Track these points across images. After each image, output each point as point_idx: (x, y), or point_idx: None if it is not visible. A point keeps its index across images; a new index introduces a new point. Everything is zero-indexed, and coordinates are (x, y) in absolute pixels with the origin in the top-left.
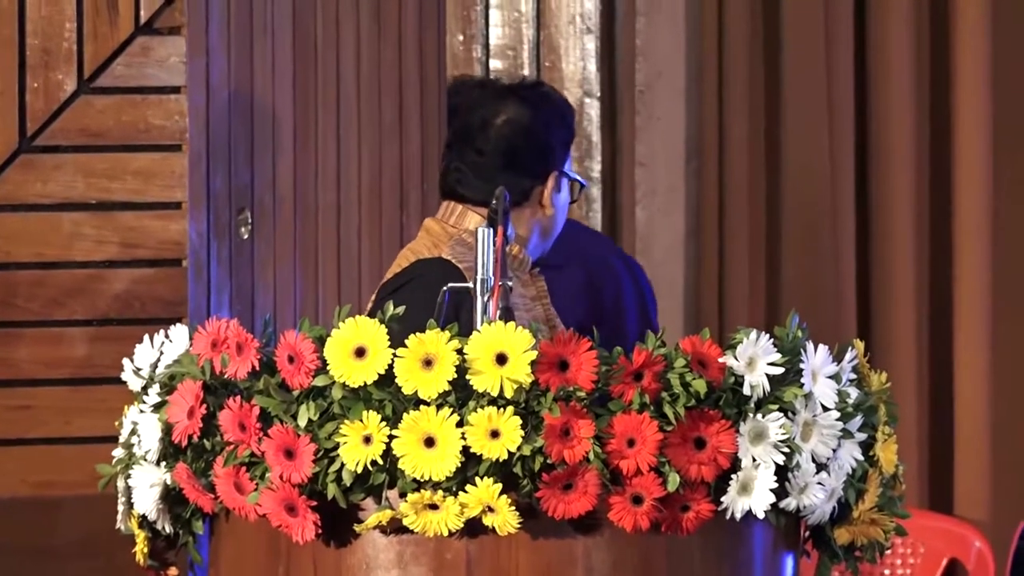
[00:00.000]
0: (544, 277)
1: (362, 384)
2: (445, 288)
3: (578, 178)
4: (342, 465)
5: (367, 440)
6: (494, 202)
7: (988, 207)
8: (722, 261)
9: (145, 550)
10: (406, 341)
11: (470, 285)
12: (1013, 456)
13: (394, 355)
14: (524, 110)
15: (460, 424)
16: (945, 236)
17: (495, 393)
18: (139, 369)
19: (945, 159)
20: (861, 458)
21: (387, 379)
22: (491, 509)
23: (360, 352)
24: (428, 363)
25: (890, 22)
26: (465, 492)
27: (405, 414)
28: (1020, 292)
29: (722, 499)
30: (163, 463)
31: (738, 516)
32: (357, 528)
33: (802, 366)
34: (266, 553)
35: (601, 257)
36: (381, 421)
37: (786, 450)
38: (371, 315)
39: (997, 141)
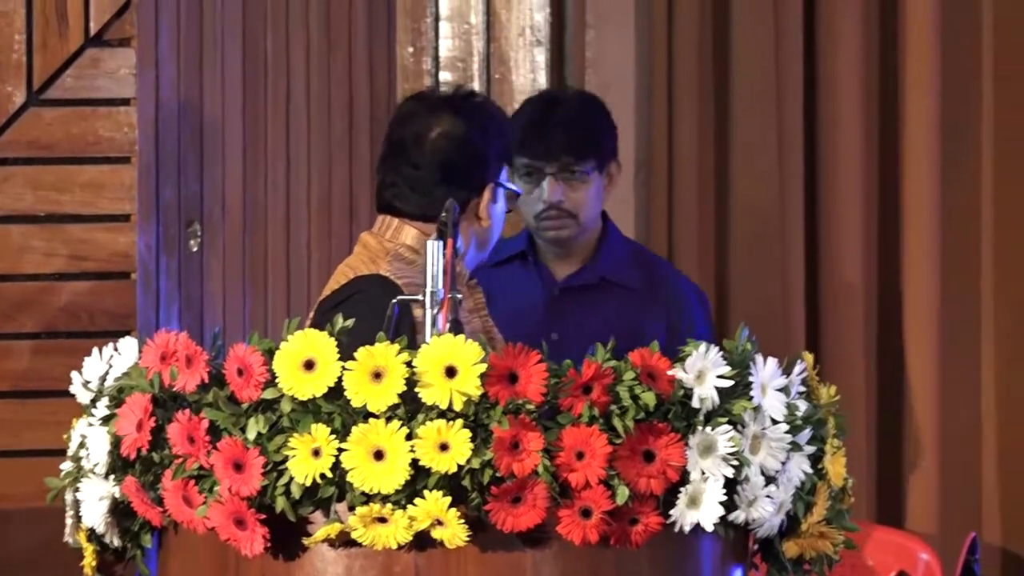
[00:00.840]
0: (613, 296)
1: (311, 397)
2: (394, 301)
3: (514, 188)
4: (291, 478)
5: (316, 453)
6: (443, 214)
7: (937, 219)
8: None
9: (94, 563)
10: (355, 354)
11: (420, 298)
12: (962, 470)
13: (343, 368)
14: (459, 123)
15: (409, 437)
16: (894, 248)
17: (444, 406)
18: (88, 382)
19: (894, 169)
20: (810, 471)
21: (336, 392)
22: (440, 522)
23: (309, 365)
24: (377, 376)
25: (839, 34)
26: (414, 505)
27: (354, 427)
28: (970, 304)
29: (671, 512)
30: (112, 476)
31: (687, 529)
32: (306, 541)
33: (751, 379)
34: (214, 567)
35: (676, 289)
36: (330, 434)
37: (735, 463)
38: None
39: (945, 150)
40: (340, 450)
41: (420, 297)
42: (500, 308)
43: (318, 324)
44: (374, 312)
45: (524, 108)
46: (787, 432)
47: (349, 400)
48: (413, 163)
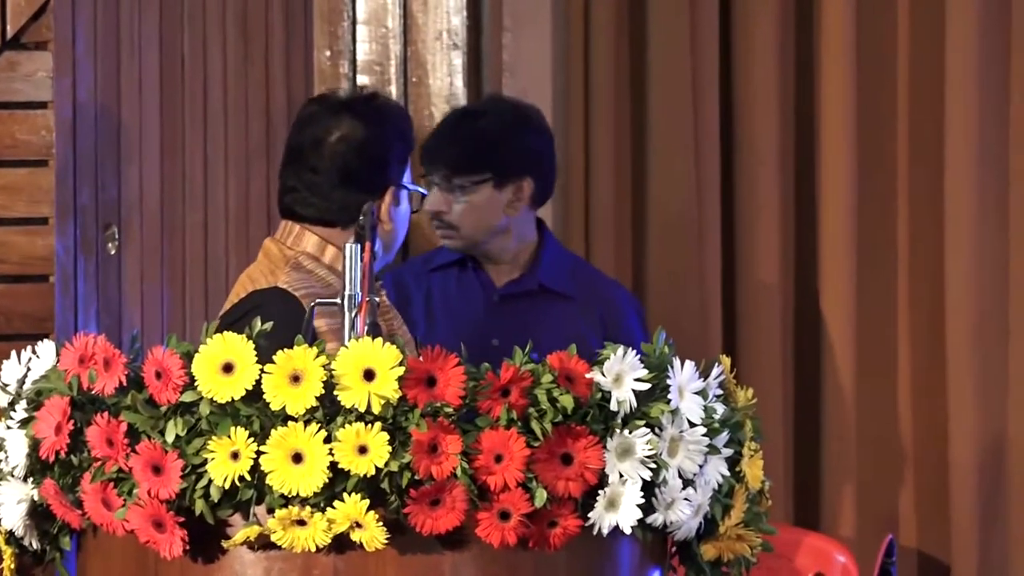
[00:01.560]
0: (549, 304)
1: (230, 400)
2: (312, 304)
3: (418, 189)
4: (210, 481)
5: (235, 456)
6: (361, 218)
7: (853, 222)
8: None
9: (12, 566)
10: (274, 357)
11: (338, 301)
12: (878, 473)
13: (262, 371)
14: (359, 126)
15: (328, 440)
16: (811, 251)
17: (363, 409)
18: (6, 385)
19: (810, 171)
20: (727, 474)
21: (255, 395)
22: (359, 525)
23: (228, 368)
24: (296, 379)
25: (756, 37)
26: (333, 508)
27: (273, 430)
28: (886, 308)
29: (589, 515)
30: (30, 479)
31: (605, 532)
32: (225, 544)
33: (669, 382)
34: (134, 569)
35: (613, 300)
36: (249, 437)
37: (653, 466)
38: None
39: (860, 153)
40: (259, 453)
41: (338, 301)
42: (440, 313)
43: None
44: (275, 324)
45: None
46: (704, 435)
47: (268, 403)
48: (312, 167)
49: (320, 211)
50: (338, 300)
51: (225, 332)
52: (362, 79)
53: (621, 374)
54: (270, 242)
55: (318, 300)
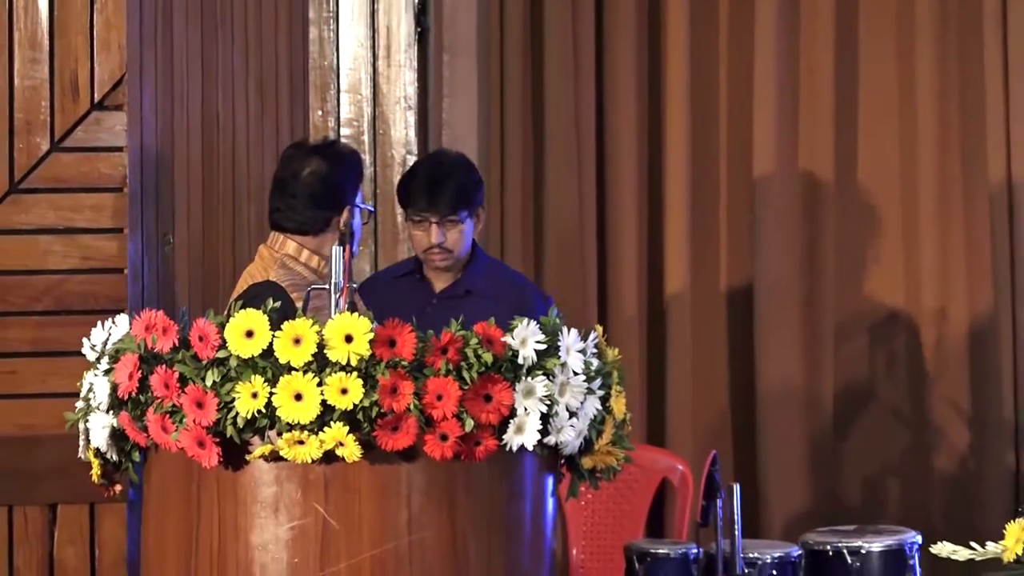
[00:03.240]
0: (473, 301)
1: (251, 356)
2: (310, 288)
3: (367, 207)
4: (237, 413)
5: (254, 396)
6: (341, 228)
7: (689, 225)
8: None
9: (99, 472)
10: (281, 326)
11: (326, 286)
12: (707, 408)
13: (273, 336)
14: (322, 163)
15: (320, 384)
16: (659, 250)
17: (344, 362)
18: (94, 346)
19: (659, 189)
20: (600, 408)
21: (268, 353)
22: (342, 444)
23: (249, 334)
24: (297, 341)
25: (621, 104)
26: (323, 432)
27: (281, 377)
28: (711, 284)
29: (503, 437)
30: (111, 412)
31: (515, 449)
32: (248, 457)
33: (559, 344)
34: (184, 475)
35: (525, 292)
36: (264, 382)
37: (548, 403)
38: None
39: (693, 177)
40: (271, 394)
41: (326, 286)
42: (395, 312)
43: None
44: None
45: (416, 169)
46: (584, 381)
47: (277, 358)
48: (291, 193)
49: (297, 224)
50: (326, 286)
51: (247, 308)
52: (344, 131)
53: (526, 338)
54: (263, 247)
55: (313, 286)
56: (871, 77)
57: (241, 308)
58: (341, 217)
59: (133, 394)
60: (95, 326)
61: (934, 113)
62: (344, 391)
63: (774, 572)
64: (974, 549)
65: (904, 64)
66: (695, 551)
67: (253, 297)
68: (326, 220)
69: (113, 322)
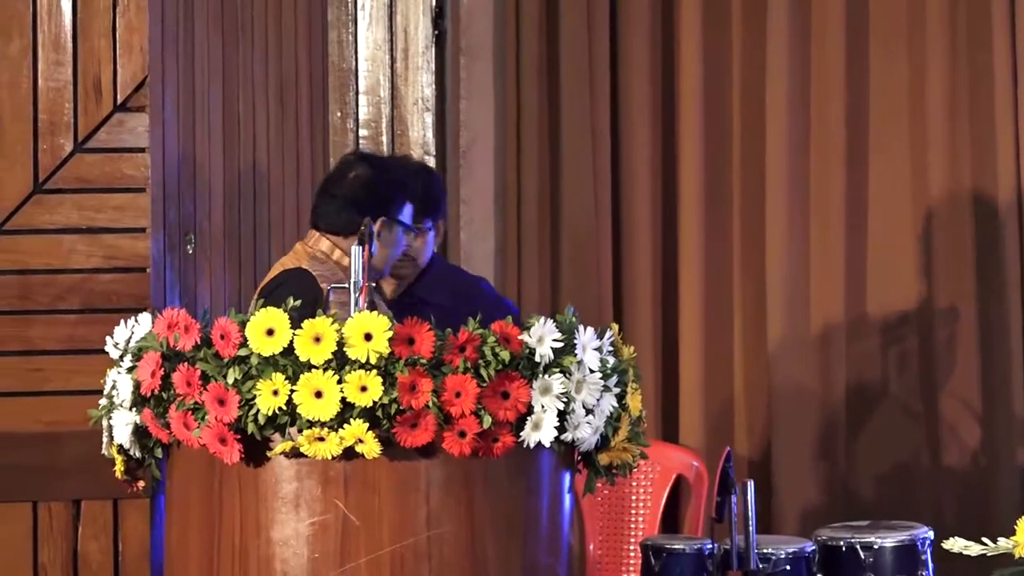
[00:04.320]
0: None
1: (272, 354)
2: (328, 287)
3: (411, 227)
4: (258, 410)
5: (275, 393)
6: (362, 228)
7: (703, 235)
8: (520, 270)
9: (122, 468)
10: (302, 324)
11: (346, 285)
12: (720, 405)
13: (294, 334)
14: (369, 170)
15: (340, 382)
16: (672, 255)
17: (364, 360)
18: (117, 343)
19: (673, 202)
20: (616, 405)
21: (289, 351)
22: (361, 441)
23: (270, 332)
24: (317, 339)
25: (635, 111)
26: (343, 429)
27: (302, 375)
28: (723, 288)
29: (521, 434)
30: (134, 408)
31: (532, 445)
32: (268, 454)
33: (576, 341)
34: (205, 471)
35: (475, 287)
36: (285, 380)
37: (565, 400)
38: (260, 307)
39: (707, 188)
40: (292, 391)
41: (346, 285)
42: None
43: (262, 299)
44: (296, 292)
45: (425, 178)
46: (601, 378)
47: (298, 356)
48: (332, 194)
49: (330, 224)
50: (346, 284)
51: (267, 307)
52: (362, 132)
53: (543, 336)
54: (299, 244)
55: (333, 285)
56: (882, 81)
57: (269, 291)
58: (375, 225)
59: (156, 391)
60: (118, 324)
61: (944, 115)
62: (364, 388)
63: (788, 567)
64: (986, 544)
65: (915, 68)
66: (710, 546)
67: (281, 283)
68: (360, 225)
69: (136, 320)
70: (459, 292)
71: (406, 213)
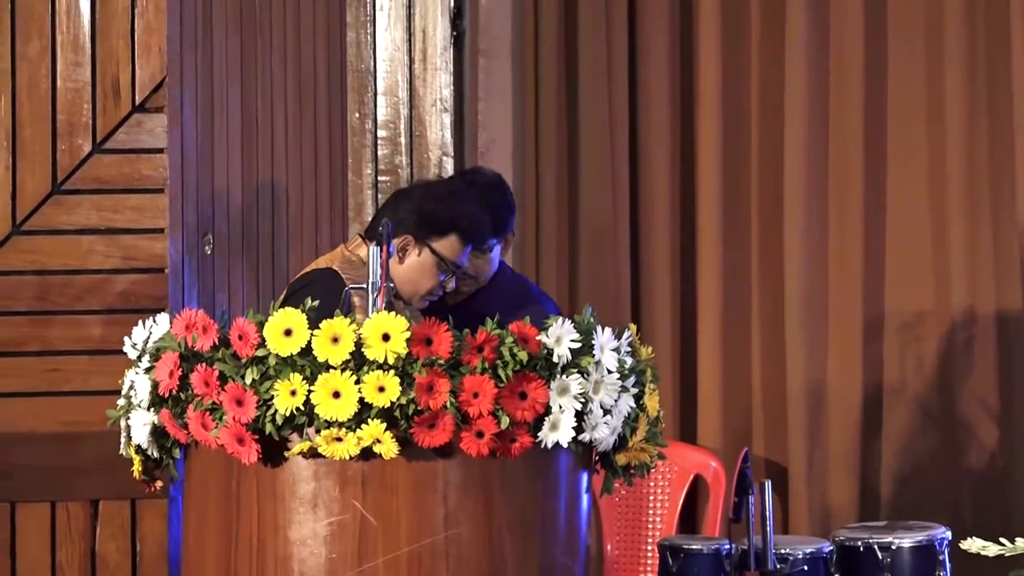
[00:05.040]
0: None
1: (289, 354)
2: (347, 288)
3: (444, 260)
4: (276, 410)
5: (293, 393)
6: (380, 229)
7: (720, 235)
8: (538, 270)
9: (140, 468)
10: (320, 325)
11: (363, 286)
12: (738, 406)
13: (312, 334)
14: (433, 193)
15: (357, 382)
16: (691, 254)
17: (382, 360)
18: (135, 344)
19: (691, 199)
20: (634, 406)
21: (307, 351)
22: (379, 441)
23: (288, 332)
24: (335, 340)
25: (653, 108)
26: (361, 429)
27: (320, 375)
28: (742, 292)
29: (538, 434)
30: (152, 409)
31: (549, 445)
32: (286, 454)
33: (594, 342)
34: (223, 471)
35: (525, 287)
36: (303, 380)
37: (583, 400)
38: (283, 304)
39: (725, 189)
40: (310, 391)
41: (364, 286)
42: None
43: (287, 297)
44: (322, 292)
45: (504, 197)
46: (618, 379)
47: (316, 356)
48: (387, 205)
49: (375, 236)
50: (364, 285)
51: (286, 307)
52: (380, 132)
53: (560, 337)
54: (342, 246)
55: (351, 285)
56: (900, 82)
57: (295, 290)
58: (407, 242)
59: (174, 392)
60: (136, 325)
61: (962, 118)
62: (381, 389)
63: (805, 567)
64: (1003, 545)
65: (933, 71)
66: (728, 547)
67: (308, 283)
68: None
69: (154, 321)
70: (508, 296)
71: (447, 245)
